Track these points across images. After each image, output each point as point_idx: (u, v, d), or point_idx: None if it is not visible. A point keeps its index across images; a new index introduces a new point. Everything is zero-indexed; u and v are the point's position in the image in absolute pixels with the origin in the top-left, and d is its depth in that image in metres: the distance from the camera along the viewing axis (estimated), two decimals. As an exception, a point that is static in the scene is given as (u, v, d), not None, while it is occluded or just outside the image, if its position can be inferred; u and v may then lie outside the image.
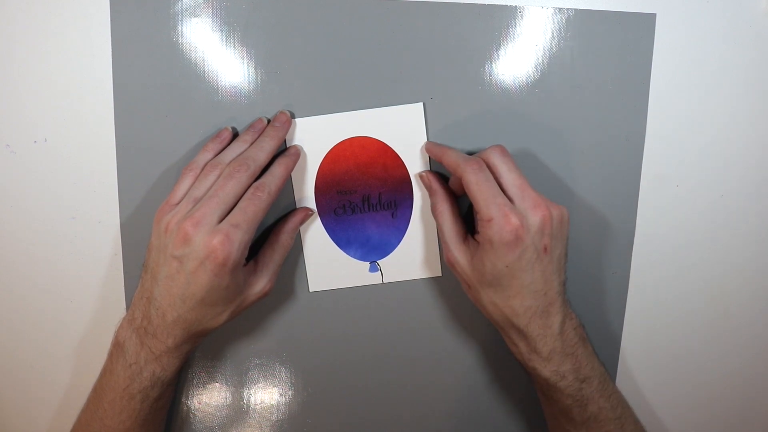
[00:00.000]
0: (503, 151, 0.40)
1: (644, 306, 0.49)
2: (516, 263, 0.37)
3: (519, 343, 0.40)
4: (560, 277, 0.40)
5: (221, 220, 0.37)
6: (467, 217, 0.45)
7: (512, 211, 0.37)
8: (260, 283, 0.41)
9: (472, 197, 0.38)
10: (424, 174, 0.44)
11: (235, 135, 0.43)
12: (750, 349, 0.50)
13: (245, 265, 0.40)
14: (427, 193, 0.45)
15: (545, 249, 0.38)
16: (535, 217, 0.37)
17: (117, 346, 0.40)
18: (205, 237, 0.36)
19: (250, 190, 0.39)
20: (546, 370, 0.40)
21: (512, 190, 0.38)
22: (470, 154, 0.42)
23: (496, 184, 0.39)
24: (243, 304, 0.41)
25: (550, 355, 0.39)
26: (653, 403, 0.51)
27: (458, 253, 0.41)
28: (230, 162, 0.40)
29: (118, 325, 0.41)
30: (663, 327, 0.49)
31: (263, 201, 0.38)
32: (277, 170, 0.41)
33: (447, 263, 0.42)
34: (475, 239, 0.40)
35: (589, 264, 0.47)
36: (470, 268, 0.40)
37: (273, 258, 0.42)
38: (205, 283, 0.37)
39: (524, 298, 0.38)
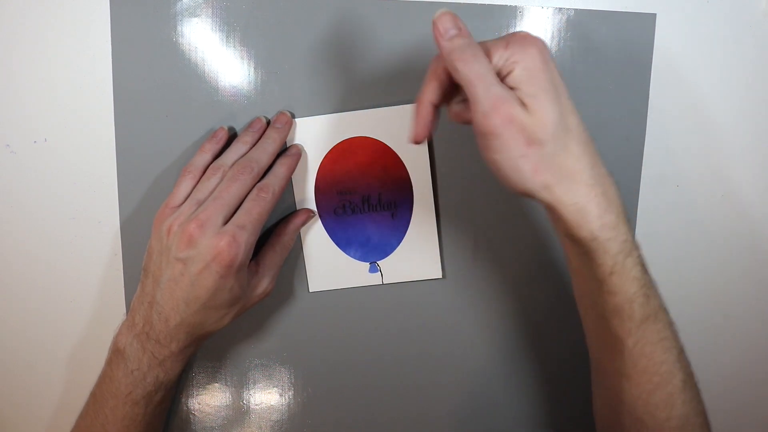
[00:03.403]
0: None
1: (644, 306, 0.49)
2: (557, 80, 0.32)
3: (600, 200, 0.32)
4: None
5: (225, 223, 0.37)
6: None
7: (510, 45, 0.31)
8: (262, 285, 0.41)
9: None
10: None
11: (233, 134, 0.43)
12: (750, 349, 0.50)
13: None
14: (426, 195, 0.45)
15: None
16: (532, 48, 0.31)
17: (117, 353, 0.40)
18: (212, 239, 0.36)
19: (254, 191, 0.39)
20: (617, 241, 0.32)
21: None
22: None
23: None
24: (245, 306, 0.41)
25: (617, 221, 0.33)
26: (653, 402, 0.51)
27: (514, 102, 0.31)
28: (233, 165, 0.40)
29: (116, 332, 0.41)
30: (663, 327, 0.49)
31: (268, 202, 0.38)
32: (280, 170, 0.41)
33: (494, 127, 0.30)
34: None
35: (589, 264, 0.47)
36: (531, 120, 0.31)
37: (274, 259, 0.42)
38: (209, 286, 0.36)
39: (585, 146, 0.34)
